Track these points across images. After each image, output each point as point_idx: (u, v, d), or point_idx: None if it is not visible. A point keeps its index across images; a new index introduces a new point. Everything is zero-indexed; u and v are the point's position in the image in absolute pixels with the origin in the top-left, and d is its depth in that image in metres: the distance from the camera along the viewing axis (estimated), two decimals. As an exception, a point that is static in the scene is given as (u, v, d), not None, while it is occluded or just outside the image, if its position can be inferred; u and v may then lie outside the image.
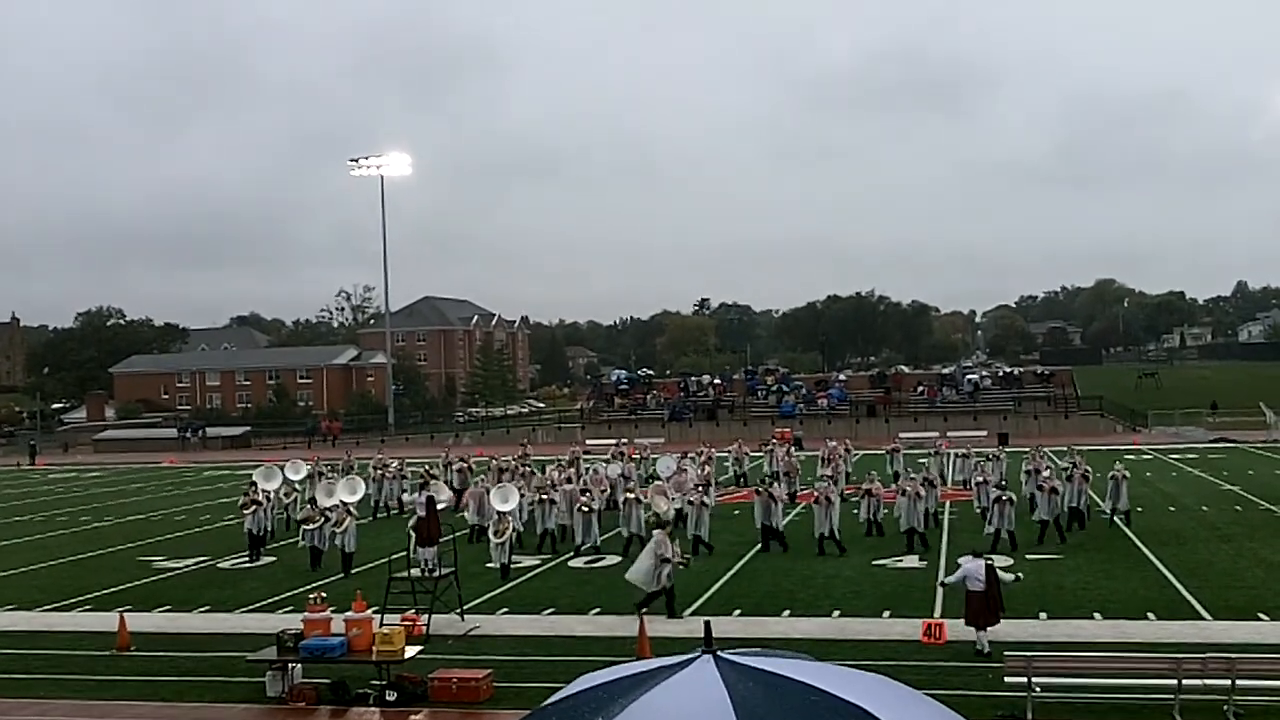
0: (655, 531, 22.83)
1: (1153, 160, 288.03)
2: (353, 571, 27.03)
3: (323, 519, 29.12)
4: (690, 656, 5.84)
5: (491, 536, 27.25)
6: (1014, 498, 28.28)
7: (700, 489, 30.22)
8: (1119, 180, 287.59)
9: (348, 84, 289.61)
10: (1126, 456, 45.31)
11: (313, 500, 31.69)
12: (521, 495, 30.80)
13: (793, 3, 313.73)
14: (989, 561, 18.42)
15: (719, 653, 5.83)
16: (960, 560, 19.34)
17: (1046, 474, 30.50)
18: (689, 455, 39.59)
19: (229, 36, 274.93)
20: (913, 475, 30.91)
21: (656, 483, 32.38)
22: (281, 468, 38.00)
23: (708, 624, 6.27)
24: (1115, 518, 30.68)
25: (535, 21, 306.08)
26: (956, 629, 18.91)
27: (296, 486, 37.73)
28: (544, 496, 30.52)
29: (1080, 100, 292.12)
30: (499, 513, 27.60)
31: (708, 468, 37.03)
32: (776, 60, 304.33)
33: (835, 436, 49.03)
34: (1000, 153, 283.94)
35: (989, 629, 18.04)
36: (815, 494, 29.10)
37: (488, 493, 30.60)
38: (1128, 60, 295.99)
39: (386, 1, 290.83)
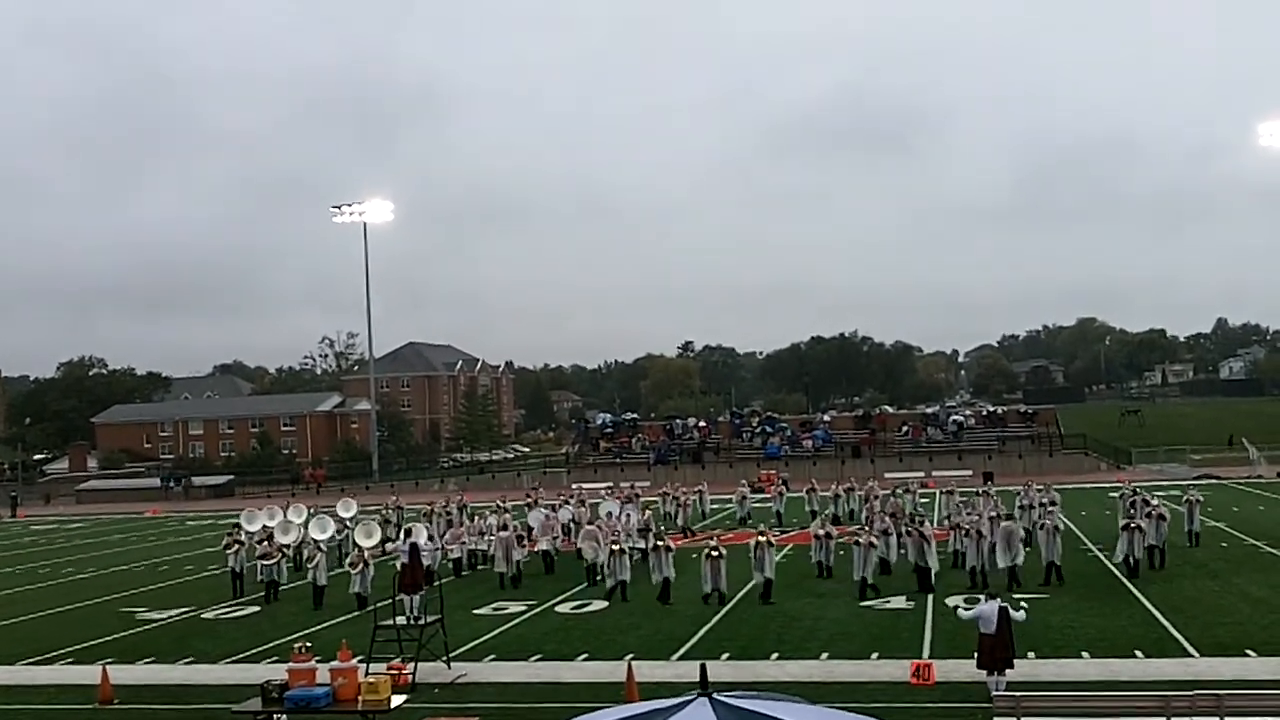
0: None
1: (1109, 200, 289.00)
2: (324, 606, 28.64)
3: (279, 555, 31.25)
4: (686, 699, 5.84)
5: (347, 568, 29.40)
6: (1142, 526, 28.83)
7: (638, 534, 31.69)
8: (1079, 219, 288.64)
9: (301, 131, 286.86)
10: (1110, 494, 45.41)
11: (269, 537, 33.31)
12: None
13: (751, 46, 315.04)
14: (1003, 605, 18.11)
15: (714, 695, 5.83)
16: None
17: (1155, 502, 31.39)
18: (633, 500, 39.97)
19: (173, 85, 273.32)
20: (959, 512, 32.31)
21: (588, 528, 32.54)
22: (328, 511, 39.07)
23: (703, 666, 6.28)
24: (1191, 539, 33.16)
25: (499, 66, 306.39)
26: (945, 669, 18.88)
27: (348, 524, 38.41)
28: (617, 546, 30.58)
29: (1030, 142, 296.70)
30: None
31: (648, 512, 37.29)
32: (738, 104, 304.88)
33: (843, 477, 49.24)
34: (958, 194, 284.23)
35: (1006, 673, 17.59)
36: (943, 531, 29.36)
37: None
38: (1075, 102, 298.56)
39: (339, 49, 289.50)
